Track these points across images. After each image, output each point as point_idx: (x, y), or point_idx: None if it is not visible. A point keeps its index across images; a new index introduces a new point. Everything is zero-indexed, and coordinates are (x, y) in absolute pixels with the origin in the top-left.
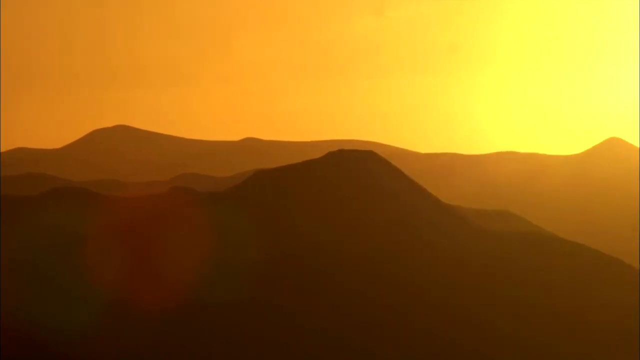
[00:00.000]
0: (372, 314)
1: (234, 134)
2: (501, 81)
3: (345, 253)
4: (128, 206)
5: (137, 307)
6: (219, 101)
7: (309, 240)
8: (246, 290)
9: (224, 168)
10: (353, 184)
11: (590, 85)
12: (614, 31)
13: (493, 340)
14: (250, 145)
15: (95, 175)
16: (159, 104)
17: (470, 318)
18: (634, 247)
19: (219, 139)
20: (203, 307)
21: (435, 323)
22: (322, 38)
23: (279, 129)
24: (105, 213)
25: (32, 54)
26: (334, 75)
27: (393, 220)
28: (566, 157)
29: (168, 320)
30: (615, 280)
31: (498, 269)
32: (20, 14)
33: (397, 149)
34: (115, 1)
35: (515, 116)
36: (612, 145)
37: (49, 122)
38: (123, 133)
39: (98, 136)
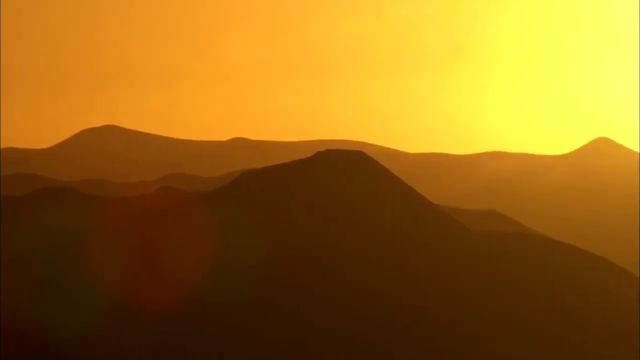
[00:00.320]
0: (360, 314)
1: (222, 134)
2: (490, 81)
3: (334, 252)
4: (116, 206)
5: (129, 308)
6: (208, 101)
7: (298, 239)
8: (234, 290)
9: (213, 168)
10: (342, 184)
11: (578, 85)
12: (603, 32)
13: (482, 340)
14: (238, 145)
15: (84, 175)
16: (148, 104)
17: (459, 318)
18: (622, 246)
19: (208, 138)
20: (194, 307)
21: (423, 323)
22: (310, 38)
23: (267, 129)
24: (93, 213)
25: (21, 55)
26: (322, 75)
27: (381, 220)
28: (555, 157)
29: (159, 320)
30: (604, 280)
31: (487, 269)
32: (9, 14)
33: (385, 148)
34: (104, 1)
35: (504, 116)
36: (601, 145)
37: (37, 122)
38: (112, 133)
39: (87, 136)
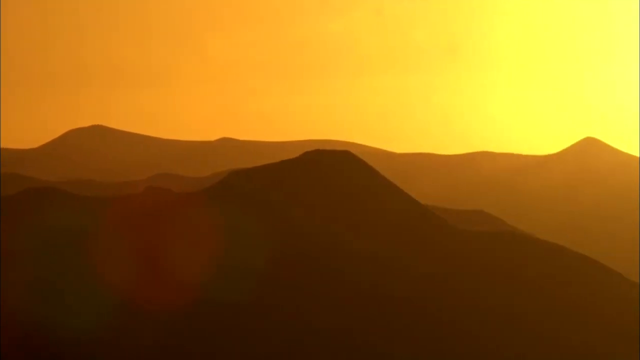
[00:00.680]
0: (350, 312)
1: (209, 134)
2: (478, 82)
3: (324, 251)
4: (103, 206)
5: (123, 307)
6: (195, 101)
7: (285, 239)
8: (226, 289)
9: (200, 168)
10: (329, 184)
11: (566, 85)
12: (591, 32)
13: (468, 340)
14: (226, 145)
15: (72, 175)
16: (135, 104)
17: (446, 318)
18: (609, 245)
19: (195, 139)
20: (186, 307)
21: (410, 323)
22: (297, 38)
23: (254, 129)
24: (81, 213)
25: (8, 55)
26: (310, 75)
27: (368, 220)
28: (542, 157)
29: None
30: (591, 280)
31: (473, 268)
32: None
33: (373, 148)
34: (91, 1)
35: (490, 116)
36: (588, 145)
37: (25, 122)
38: (99, 133)
39: (74, 136)
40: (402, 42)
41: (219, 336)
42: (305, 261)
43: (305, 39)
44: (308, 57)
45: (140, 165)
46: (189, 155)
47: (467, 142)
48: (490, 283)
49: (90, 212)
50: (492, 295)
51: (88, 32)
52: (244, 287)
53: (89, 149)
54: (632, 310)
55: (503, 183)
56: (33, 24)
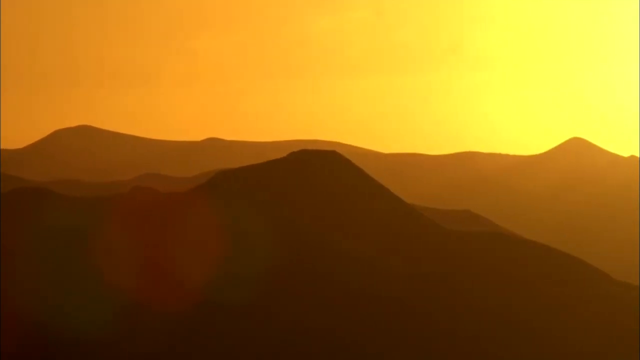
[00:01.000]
0: (332, 314)
1: (196, 134)
2: (464, 82)
3: (308, 253)
4: (90, 206)
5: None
6: (181, 101)
7: (270, 240)
8: (214, 289)
9: (187, 168)
10: (315, 184)
11: (552, 84)
12: (579, 32)
13: (456, 340)
14: (212, 145)
15: (58, 175)
16: (122, 104)
17: (433, 318)
18: (596, 245)
19: (181, 139)
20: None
21: (397, 323)
22: (283, 38)
23: (241, 129)
24: (68, 213)
25: None
26: (296, 75)
27: (355, 220)
28: (529, 157)
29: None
30: (577, 279)
31: (461, 269)
32: None
33: (359, 148)
34: (76, 1)
35: (477, 116)
36: (575, 145)
37: (10, 122)
38: (86, 133)
39: (61, 136)
40: (388, 42)
41: (204, 337)
42: (292, 261)
43: (291, 40)
44: (295, 57)
45: (127, 165)
46: (176, 155)
47: (454, 142)
48: (477, 283)
49: (77, 212)
50: (480, 295)
51: (74, 32)
52: (230, 288)
53: (76, 149)
54: (618, 310)
55: (490, 183)
56: (18, 24)
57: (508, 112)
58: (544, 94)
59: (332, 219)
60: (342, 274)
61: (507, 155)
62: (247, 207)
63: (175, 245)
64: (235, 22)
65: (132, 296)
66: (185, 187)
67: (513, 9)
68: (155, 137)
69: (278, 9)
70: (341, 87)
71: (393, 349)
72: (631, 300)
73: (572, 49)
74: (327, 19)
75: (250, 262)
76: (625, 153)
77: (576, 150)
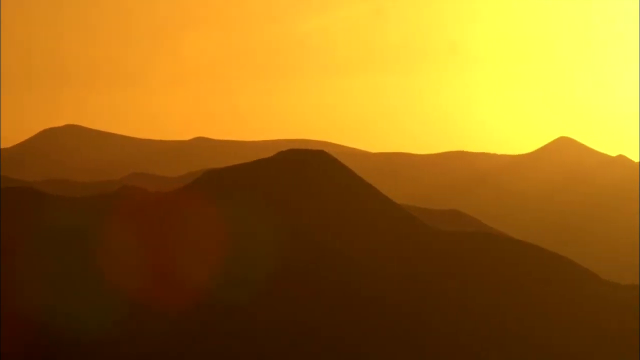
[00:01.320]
0: (320, 313)
1: (184, 134)
2: (452, 82)
3: (295, 252)
4: (78, 206)
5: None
6: (169, 101)
7: (259, 240)
8: (201, 290)
9: (174, 167)
10: (304, 184)
11: (540, 84)
12: (567, 32)
13: (444, 340)
14: (200, 144)
15: (46, 175)
16: (109, 104)
17: (421, 318)
18: (585, 245)
19: (169, 138)
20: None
21: (384, 323)
22: (272, 38)
23: (229, 129)
24: (56, 213)
25: None
26: (284, 74)
27: (343, 220)
28: (517, 157)
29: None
30: (566, 279)
31: (449, 268)
32: None
33: (348, 148)
34: (65, 1)
35: (466, 116)
36: (562, 145)
37: None
38: (73, 132)
39: (49, 136)
40: (377, 42)
41: (196, 336)
42: (279, 261)
43: (279, 39)
44: (283, 56)
45: (115, 165)
46: (164, 154)
47: (443, 141)
48: (466, 283)
49: (65, 212)
50: (469, 295)
51: (62, 31)
52: (218, 287)
53: (64, 149)
54: (606, 309)
55: (478, 183)
56: (6, 24)
57: (496, 112)
58: (533, 94)
59: (320, 219)
60: (331, 273)
61: (495, 155)
62: (235, 206)
63: (163, 245)
64: (224, 22)
65: (121, 295)
66: (173, 186)
67: (502, 9)
68: (143, 136)
69: (267, 8)
70: (330, 86)
71: (382, 349)
72: (619, 300)
73: (560, 48)
74: (315, 19)
75: (238, 261)
76: (613, 153)
77: (564, 150)
